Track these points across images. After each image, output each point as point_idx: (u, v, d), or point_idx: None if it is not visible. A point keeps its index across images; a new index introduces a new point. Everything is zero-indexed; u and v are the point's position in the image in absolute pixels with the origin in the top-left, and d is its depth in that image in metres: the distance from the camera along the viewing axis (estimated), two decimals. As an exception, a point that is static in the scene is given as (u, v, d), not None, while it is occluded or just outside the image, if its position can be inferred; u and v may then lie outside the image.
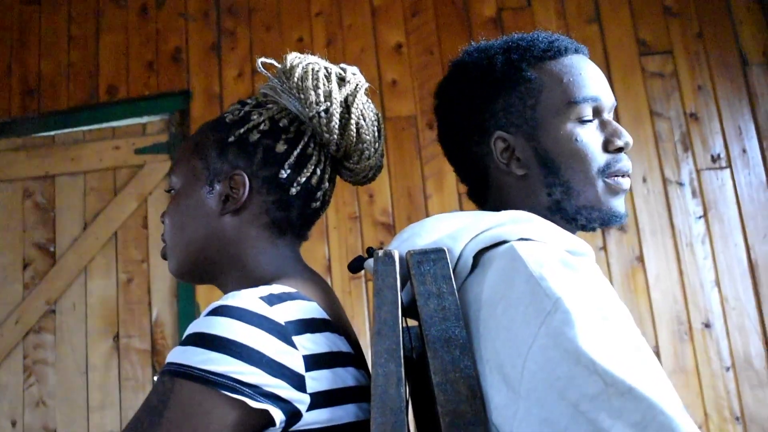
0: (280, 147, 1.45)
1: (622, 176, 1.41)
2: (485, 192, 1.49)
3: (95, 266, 4.04)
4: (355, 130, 1.48)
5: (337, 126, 1.46)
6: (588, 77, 1.41)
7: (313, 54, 1.56)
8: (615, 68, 4.04)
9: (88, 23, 4.36)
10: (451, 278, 1.14)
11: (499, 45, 1.47)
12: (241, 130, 1.46)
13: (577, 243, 1.27)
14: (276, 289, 1.28)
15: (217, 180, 1.46)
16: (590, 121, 1.39)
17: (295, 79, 1.46)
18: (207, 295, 3.77)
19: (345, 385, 1.27)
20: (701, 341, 3.69)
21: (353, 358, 1.34)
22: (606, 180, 1.38)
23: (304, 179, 1.47)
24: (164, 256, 1.55)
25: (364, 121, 1.50)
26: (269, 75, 1.54)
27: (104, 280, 4.00)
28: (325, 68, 1.51)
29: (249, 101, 1.54)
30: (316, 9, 4.25)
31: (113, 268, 4.02)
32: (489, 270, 1.17)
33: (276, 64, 1.56)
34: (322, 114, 1.45)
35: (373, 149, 1.54)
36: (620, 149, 1.40)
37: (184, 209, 1.48)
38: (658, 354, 3.63)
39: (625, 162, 1.41)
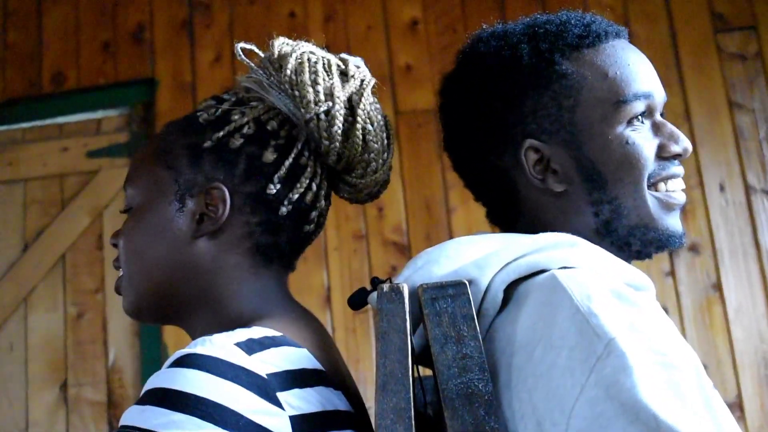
0: (268, 156, 1.44)
1: (671, 180, 1.40)
2: (513, 213, 1.48)
3: (37, 298, 4.05)
4: (360, 136, 1.47)
5: (339, 131, 1.45)
6: (638, 69, 1.40)
7: (308, 34, 1.55)
8: (685, 49, 4.04)
9: (30, -5, 4.38)
10: (473, 319, 1.13)
11: (521, 30, 1.45)
12: (220, 134, 1.44)
13: (635, 274, 1.27)
14: (256, 332, 1.27)
15: (189, 195, 1.44)
16: (641, 122, 1.38)
17: (288, 72, 1.44)
18: (176, 335, 3.76)
19: None
20: (795, 390, 3.68)
21: (353, 418, 1.33)
22: (654, 194, 1.38)
23: (296, 196, 1.45)
24: (119, 290, 1.52)
25: (372, 125, 1.49)
26: (252, 64, 1.52)
27: (49, 314, 4.01)
28: (325, 59, 1.49)
29: (227, 96, 1.53)
30: (311, -24, 4.27)
31: (60, 299, 4.03)
32: (524, 305, 1.17)
33: (259, 52, 1.55)
34: (322, 116, 1.43)
35: (381, 160, 1.52)
36: (677, 156, 1.40)
37: (145, 230, 1.45)
38: (740, 405, 3.61)
39: (674, 168, 1.40)
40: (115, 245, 1.51)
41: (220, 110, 1.47)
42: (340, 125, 1.44)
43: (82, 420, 3.88)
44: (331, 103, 1.43)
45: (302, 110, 1.43)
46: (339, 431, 1.27)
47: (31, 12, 4.34)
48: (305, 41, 1.54)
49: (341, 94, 1.45)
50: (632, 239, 1.38)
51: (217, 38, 4.20)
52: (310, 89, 1.42)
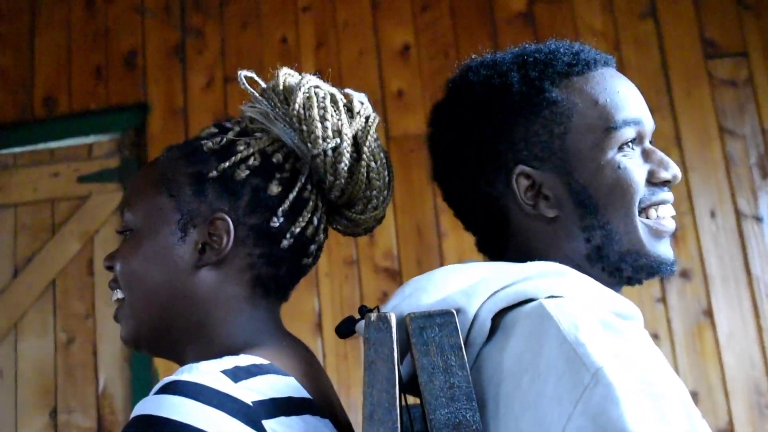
0: (273, 189, 1.44)
1: (661, 206, 1.41)
2: (503, 240, 1.48)
3: (27, 323, 4.04)
4: (365, 174, 1.48)
5: (345, 168, 1.45)
6: (627, 96, 1.41)
7: (299, 60, 1.56)
8: (675, 75, 4.06)
9: (21, 19, 4.40)
10: (461, 348, 1.13)
11: (510, 59, 1.46)
12: (226, 164, 1.43)
13: (623, 303, 1.27)
14: (243, 360, 1.27)
15: (192, 224, 1.43)
16: (632, 149, 1.39)
17: (297, 107, 1.44)
18: (167, 361, 3.72)
19: None
20: (787, 416, 3.67)
21: None
22: (644, 221, 1.39)
23: (298, 230, 1.46)
24: (116, 319, 1.51)
25: (375, 163, 1.50)
26: (256, 95, 1.52)
27: (39, 340, 4.00)
28: (331, 95, 1.50)
29: (229, 125, 1.52)
30: (303, 2, 4.28)
31: (50, 325, 4.02)
32: (512, 334, 1.17)
33: (260, 81, 1.55)
34: (329, 153, 1.44)
35: (381, 198, 1.54)
36: (667, 182, 1.41)
37: (145, 256, 1.44)
38: (732, 432, 3.61)
39: (663, 194, 1.41)
40: (109, 268, 1.50)
41: (225, 140, 1.47)
42: (347, 162, 1.45)
43: (72, 446, 3.86)
44: (338, 140, 1.44)
45: (309, 145, 1.43)
46: None
47: (22, 36, 4.34)
48: (296, 70, 1.54)
49: (348, 131, 1.46)
50: (624, 265, 1.38)
51: (209, 63, 4.20)
52: (319, 125, 1.43)
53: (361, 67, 4.12)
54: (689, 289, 3.82)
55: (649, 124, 1.42)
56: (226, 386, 1.18)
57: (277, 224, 1.43)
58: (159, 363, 3.77)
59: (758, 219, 3.89)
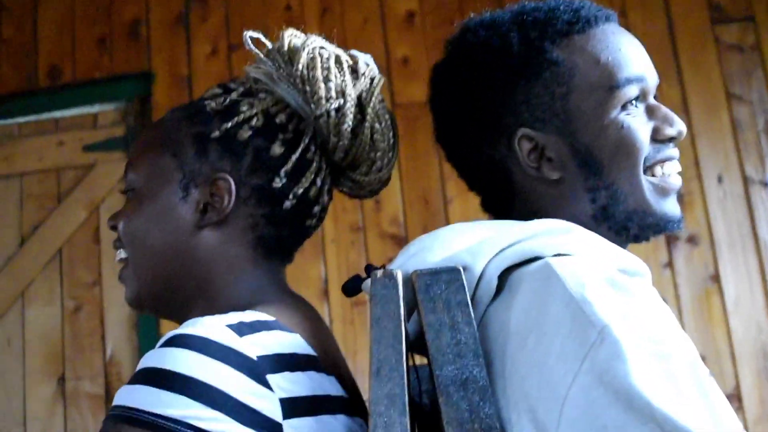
0: (276, 149, 1.44)
1: (667, 163, 1.40)
2: (508, 202, 1.47)
3: (35, 291, 4.05)
4: (369, 135, 1.48)
5: (349, 129, 1.46)
6: (629, 53, 1.39)
7: (304, 27, 1.55)
8: (682, 40, 4.04)
9: (25, -11, 4.38)
10: (467, 305, 1.13)
11: (510, 19, 1.44)
12: (228, 125, 1.43)
13: (630, 260, 1.26)
14: (248, 316, 1.27)
15: (194, 184, 1.44)
16: (636, 106, 1.38)
17: (300, 67, 1.44)
18: (173, 326, 3.73)
19: None
20: (794, 381, 3.68)
21: (346, 403, 1.33)
22: (650, 179, 1.38)
23: (301, 191, 1.46)
24: (120, 279, 1.52)
25: (380, 124, 1.50)
26: (260, 55, 1.51)
27: (46, 308, 4.01)
28: (336, 55, 1.49)
29: (233, 86, 1.52)
30: (308, -31, 4.25)
31: (57, 293, 4.02)
32: (518, 293, 1.17)
33: (264, 39, 1.54)
34: (332, 113, 1.44)
35: (386, 159, 1.54)
36: (671, 138, 1.39)
37: (148, 216, 1.45)
38: (738, 397, 3.61)
39: (669, 150, 1.40)
40: (113, 227, 1.50)
41: (228, 100, 1.47)
42: (350, 123, 1.45)
43: (80, 413, 3.87)
44: (342, 101, 1.44)
45: (312, 106, 1.43)
46: (330, 415, 1.27)
47: (26, 6, 4.33)
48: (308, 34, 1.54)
49: (352, 92, 1.46)
50: (630, 224, 1.38)
51: (214, 32, 4.19)
52: (322, 85, 1.43)
53: (365, 34, 4.11)
54: (696, 255, 3.81)
55: (652, 80, 1.41)
56: (231, 340, 1.18)
57: (280, 185, 1.44)
58: (166, 330, 3.76)
59: (765, 184, 3.88)
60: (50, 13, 4.31)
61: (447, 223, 3.81)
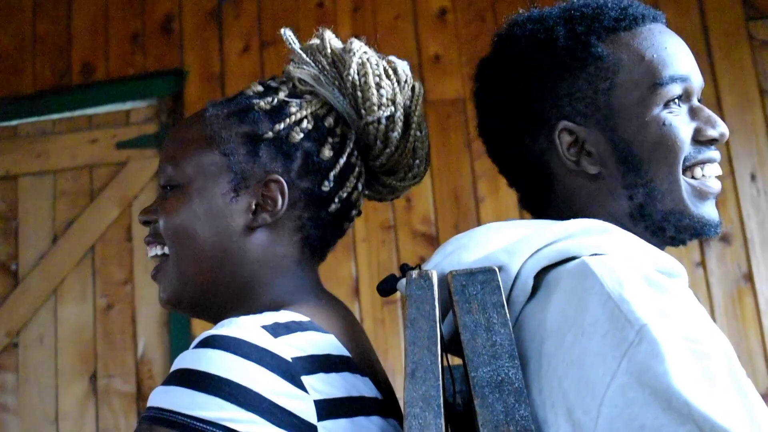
0: (326, 153, 1.45)
1: (707, 165, 1.40)
2: (546, 198, 1.48)
3: (67, 289, 4.07)
4: (412, 143, 1.51)
5: (398, 137, 1.49)
6: (675, 52, 1.40)
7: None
8: (715, 37, 4.02)
9: (58, -14, 4.40)
10: (503, 306, 1.13)
11: (557, 14, 1.45)
12: (281, 126, 1.44)
13: (667, 261, 1.26)
14: (283, 316, 1.28)
15: (245, 185, 1.43)
16: (678, 106, 1.38)
17: (352, 72, 1.46)
18: (205, 325, 3.73)
19: None
20: (828, 381, 3.65)
21: (380, 404, 1.33)
22: (689, 180, 1.38)
23: (345, 194, 1.48)
24: (157, 277, 1.50)
25: (421, 132, 1.53)
26: (303, 55, 1.52)
27: (78, 305, 4.03)
28: (385, 62, 1.52)
29: (275, 84, 1.52)
30: (340, -34, 4.26)
31: (89, 291, 4.04)
32: (555, 292, 1.17)
33: (292, 40, 1.55)
34: (383, 120, 1.47)
35: (423, 166, 1.58)
36: (713, 141, 1.39)
37: (195, 214, 1.43)
38: (772, 398, 3.59)
39: (710, 152, 1.40)
40: (147, 222, 1.49)
41: (276, 100, 1.47)
42: (400, 131, 1.48)
43: (112, 411, 3.89)
44: (393, 108, 1.47)
45: (363, 112, 1.46)
46: (364, 416, 1.27)
47: (60, 3, 4.36)
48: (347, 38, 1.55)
49: (401, 100, 1.48)
50: (666, 224, 1.38)
51: (246, 29, 4.20)
52: (375, 92, 1.45)
53: (397, 31, 4.11)
54: (729, 254, 3.79)
55: (697, 81, 1.41)
56: (266, 341, 1.18)
57: (328, 188, 1.45)
58: (197, 328, 3.78)
59: (799, 183, 3.85)
60: (83, 10, 4.33)
61: (478, 221, 3.81)
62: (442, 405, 1.06)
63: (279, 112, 1.45)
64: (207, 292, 1.45)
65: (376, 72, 1.47)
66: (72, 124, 4.26)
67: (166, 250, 1.46)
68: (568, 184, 1.43)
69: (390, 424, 1.32)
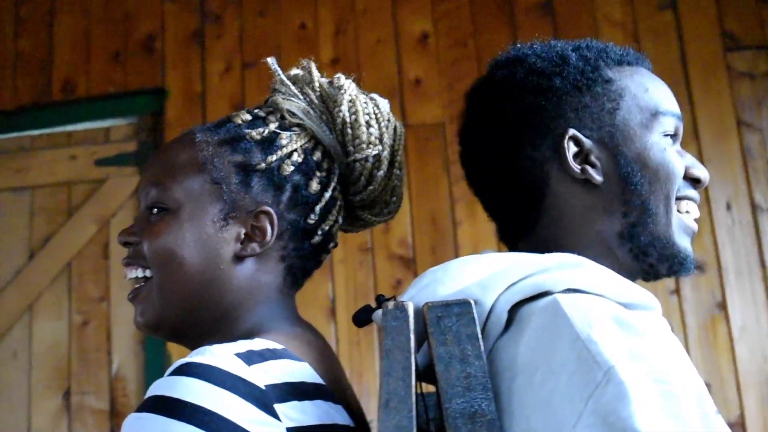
0: (314, 186, 1.47)
1: (690, 202, 1.45)
2: (535, 213, 1.47)
3: (43, 305, 4.05)
4: (393, 181, 1.56)
5: (383, 175, 1.53)
6: (669, 94, 1.48)
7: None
8: (694, 67, 4.04)
9: (40, 2, 4.40)
10: (478, 338, 1.14)
11: (564, 44, 1.52)
12: (274, 158, 1.45)
13: (639, 293, 1.26)
14: (257, 344, 1.28)
15: (235, 214, 1.44)
16: (671, 141, 1.44)
17: (344, 110, 1.49)
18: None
19: None
20: (799, 410, 3.66)
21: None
22: (677, 214, 1.42)
23: (327, 227, 1.51)
24: (136, 299, 1.47)
25: (400, 171, 1.57)
26: (292, 88, 1.54)
27: (53, 322, 4.01)
28: (369, 99, 1.55)
29: (263, 114, 1.53)
30: (322, -11, 4.27)
31: (65, 307, 4.03)
32: (527, 328, 1.17)
33: (278, 70, 1.56)
34: (370, 159, 1.51)
35: (399, 203, 1.62)
36: (698, 181, 1.44)
37: (184, 239, 1.42)
38: (743, 425, 3.60)
39: (694, 191, 1.46)
40: (128, 243, 1.47)
41: (267, 131, 1.48)
42: (384, 170, 1.52)
43: (85, 428, 3.87)
44: (380, 148, 1.51)
45: (351, 149, 1.49)
46: None
47: (42, 20, 4.35)
48: (315, 57, 1.56)
49: (388, 140, 1.52)
50: (652, 250, 1.40)
51: (228, 49, 4.20)
52: (365, 131, 1.49)
53: (378, 54, 4.12)
54: (703, 282, 3.81)
55: (681, 127, 1.48)
56: (239, 369, 1.19)
57: (313, 221, 1.47)
58: (172, 347, 3.77)
59: (774, 212, 3.87)
60: (65, 26, 4.33)
61: (455, 245, 3.81)
62: (415, 435, 1.06)
63: (270, 143, 1.47)
64: (187, 318, 1.44)
65: (366, 111, 1.50)
66: (51, 140, 4.25)
67: (148, 273, 1.45)
68: (564, 196, 1.44)
69: None
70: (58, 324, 3.99)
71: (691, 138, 3.88)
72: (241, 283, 1.44)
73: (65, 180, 4.16)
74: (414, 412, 1.07)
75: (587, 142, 1.41)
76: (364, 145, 1.48)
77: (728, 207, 3.87)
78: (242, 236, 1.43)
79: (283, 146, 1.46)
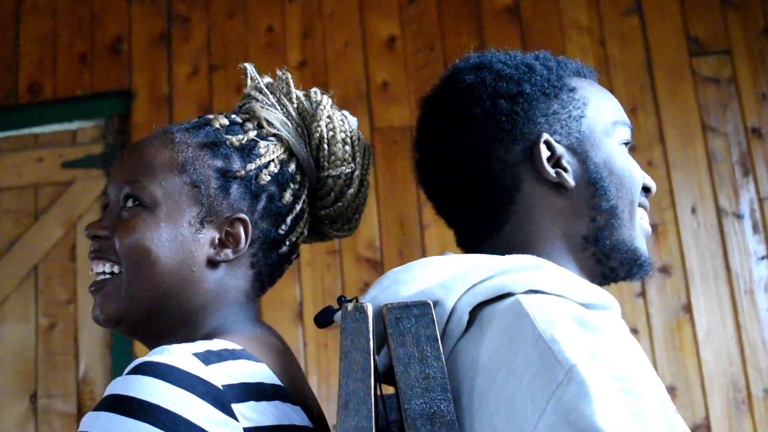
0: (287, 197, 1.49)
1: (643, 210, 1.49)
2: (503, 215, 1.47)
3: (9, 308, 4.03)
4: (360, 199, 1.59)
5: (353, 193, 1.56)
6: (619, 106, 1.52)
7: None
8: (659, 71, 4.07)
9: (6, 3, 4.38)
10: (437, 339, 1.14)
11: (524, 54, 1.54)
12: (253, 167, 1.46)
13: (599, 294, 1.27)
14: (216, 345, 1.28)
15: (211, 219, 1.44)
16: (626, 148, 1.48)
17: (322, 125, 1.52)
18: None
19: None
20: (763, 412, 3.69)
21: None
22: (638, 219, 1.46)
23: (294, 239, 1.53)
24: (100, 292, 1.45)
25: (367, 190, 1.61)
26: (271, 98, 1.55)
27: (20, 325, 3.99)
28: (343, 116, 1.58)
29: (240, 120, 1.53)
30: (290, -9, 4.27)
31: (31, 310, 4.01)
32: (488, 329, 1.17)
33: (254, 74, 1.58)
34: (343, 176, 1.54)
35: (360, 219, 1.66)
36: (649, 190, 1.49)
37: (161, 239, 1.41)
38: (708, 427, 3.63)
39: (644, 200, 1.50)
40: (96, 237, 1.45)
41: (246, 139, 1.48)
42: (355, 188, 1.55)
43: (52, 431, 3.85)
44: (353, 166, 1.54)
45: (326, 164, 1.53)
46: None
47: (8, 22, 4.32)
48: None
49: (359, 159, 1.56)
50: (614, 253, 1.43)
51: (195, 52, 4.19)
52: (341, 147, 1.52)
53: (346, 58, 4.12)
54: (669, 285, 3.83)
55: (632, 138, 1.53)
56: (197, 368, 1.19)
57: (283, 232, 1.49)
58: (140, 349, 3.75)
59: (739, 216, 3.90)
60: (32, 28, 4.30)
61: (423, 248, 3.82)
62: (374, 437, 1.06)
63: (249, 151, 1.47)
64: (152, 316, 1.43)
65: (342, 128, 1.53)
66: (18, 142, 4.22)
67: (116, 268, 1.43)
68: (535, 197, 1.44)
69: None
70: (24, 327, 3.97)
71: (657, 142, 3.90)
72: (210, 287, 1.44)
73: (32, 182, 4.14)
74: (373, 413, 1.08)
75: (559, 147, 1.43)
76: (339, 162, 1.51)
77: (693, 210, 3.90)
78: (216, 241, 1.44)
79: (262, 155, 1.47)
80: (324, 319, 1.39)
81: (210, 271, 1.44)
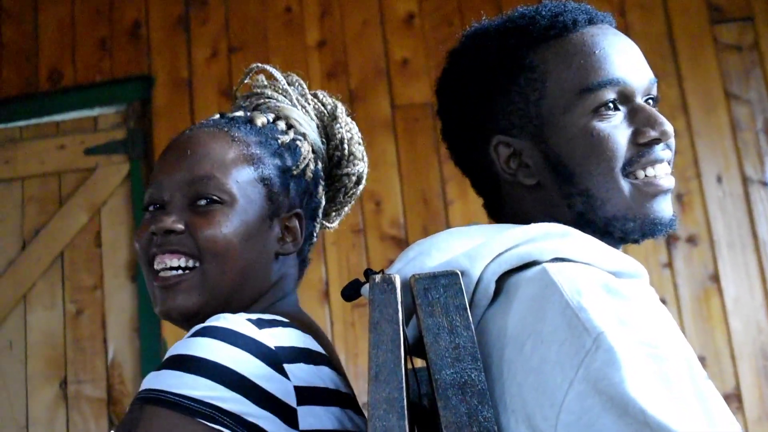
0: (320, 193, 1.60)
1: (650, 166, 1.36)
2: (499, 206, 1.50)
3: (36, 295, 4.05)
4: (357, 196, 1.71)
5: (360, 190, 1.67)
6: (606, 55, 1.37)
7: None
8: (680, 40, 4.04)
9: (25, -7, 4.38)
10: (466, 308, 1.13)
11: (495, 26, 1.46)
12: (302, 165, 1.55)
13: (626, 262, 1.27)
14: (267, 316, 1.35)
15: (276, 214, 1.52)
16: (612, 110, 1.35)
17: (344, 126, 1.60)
18: (176, 330, 3.70)
19: (344, 429, 1.32)
20: (794, 380, 3.67)
21: (353, 401, 1.39)
22: (633, 182, 1.35)
23: (316, 231, 1.63)
24: (177, 287, 1.45)
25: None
26: (294, 100, 1.62)
27: (48, 311, 4.01)
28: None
29: (271, 119, 1.60)
30: (307, -29, 4.25)
31: (59, 296, 4.02)
32: (515, 298, 1.17)
33: (278, 75, 1.65)
34: (362, 174, 1.66)
35: (347, 212, 1.77)
36: (653, 141, 1.35)
37: (242, 234, 1.46)
38: (738, 397, 3.62)
39: (655, 153, 1.36)
40: (170, 232, 1.45)
41: (289, 138, 1.56)
42: (362, 186, 1.68)
43: (82, 417, 3.87)
44: (364, 165, 1.66)
45: (344, 163, 1.62)
46: (340, 408, 1.33)
47: (27, 9, 4.33)
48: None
49: (366, 159, 1.68)
50: (612, 228, 1.36)
51: (214, 34, 4.19)
52: (359, 147, 1.63)
53: (365, 36, 4.11)
54: (696, 255, 3.81)
55: (638, 81, 1.37)
56: (251, 331, 1.26)
57: (317, 225, 1.62)
58: (168, 333, 3.77)
59: (765, 184, 3.88)
60: (51, 16, 4.31)
61: (447, 224, 3.82)
62: (405, 407, 1.06)
63: (293, 150, 1.55)
64: (225, 308, 1.43)
65: (355, 129, 1.63)
66: (40, 130, 4.24)
67: (191, 263, 1.45)
68: (514, 195, 1.45)
69: (362, 420, 1.38)
70: (52, 313, 3.99)
71: (680, 111, 3.88)
72: (274, 278, 1.53)
73: (55, 170, 4.15)
74: (404, 384, 1.08)
75: (517, 144, 1.40)
76: (359, 161, 1.61)
77: (719, 180, 3.87)
78: (279, 235, 1.52)
79: (304, 154, 1.55)
80: (351, 292, 1.39)
81: (275, 264, 1.52)
